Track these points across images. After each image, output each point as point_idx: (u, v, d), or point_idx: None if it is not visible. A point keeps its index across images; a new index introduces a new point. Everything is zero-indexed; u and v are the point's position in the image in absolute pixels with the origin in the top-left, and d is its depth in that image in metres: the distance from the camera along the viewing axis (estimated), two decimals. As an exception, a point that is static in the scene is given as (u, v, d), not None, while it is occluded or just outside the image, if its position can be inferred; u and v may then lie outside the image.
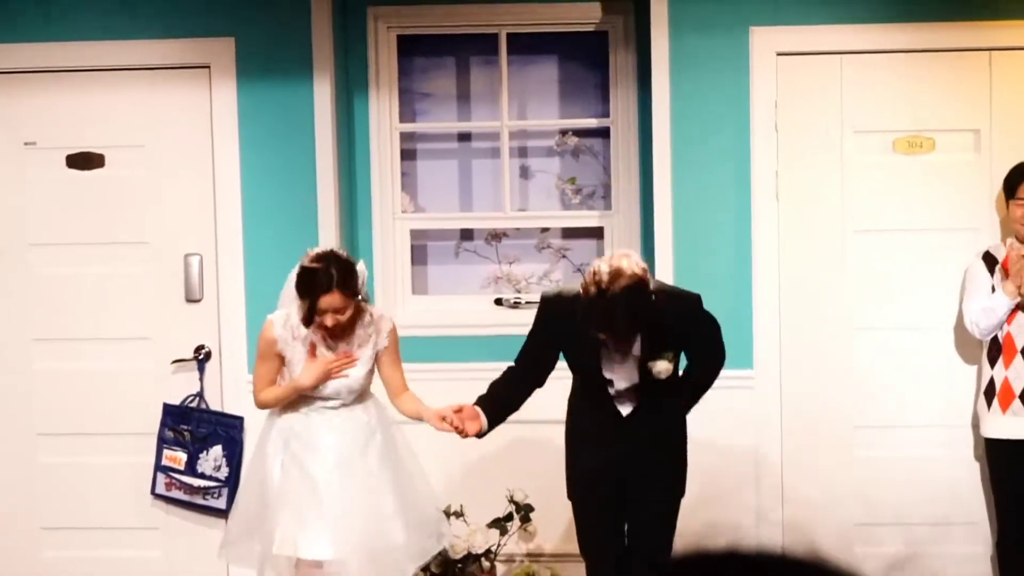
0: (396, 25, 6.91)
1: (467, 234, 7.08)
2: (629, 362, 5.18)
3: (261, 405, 5.65)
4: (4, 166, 6.85)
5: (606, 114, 6.91)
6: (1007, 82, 6.44)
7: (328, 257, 5.45)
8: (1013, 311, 6.13)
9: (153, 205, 6.79)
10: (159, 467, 6.73)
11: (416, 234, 7.04)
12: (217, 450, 6.66)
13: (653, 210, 6.53)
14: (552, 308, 5.28)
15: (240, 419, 6.61)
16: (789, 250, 6.53)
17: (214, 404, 6.75)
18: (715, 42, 6.45)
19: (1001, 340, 6.16)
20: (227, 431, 6.67)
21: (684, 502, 5.44)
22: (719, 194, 6.50)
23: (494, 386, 5.39)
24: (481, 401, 5.36)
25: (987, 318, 6.15)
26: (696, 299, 5.25)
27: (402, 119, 7.00)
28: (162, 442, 6.73)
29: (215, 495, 6.67)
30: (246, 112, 6.70)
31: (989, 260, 6.26)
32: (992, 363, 6.21)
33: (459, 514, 6.47)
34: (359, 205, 6.94)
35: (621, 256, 4.96)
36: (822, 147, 6.51)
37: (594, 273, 4.90)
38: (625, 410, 5.27)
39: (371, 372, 5.65)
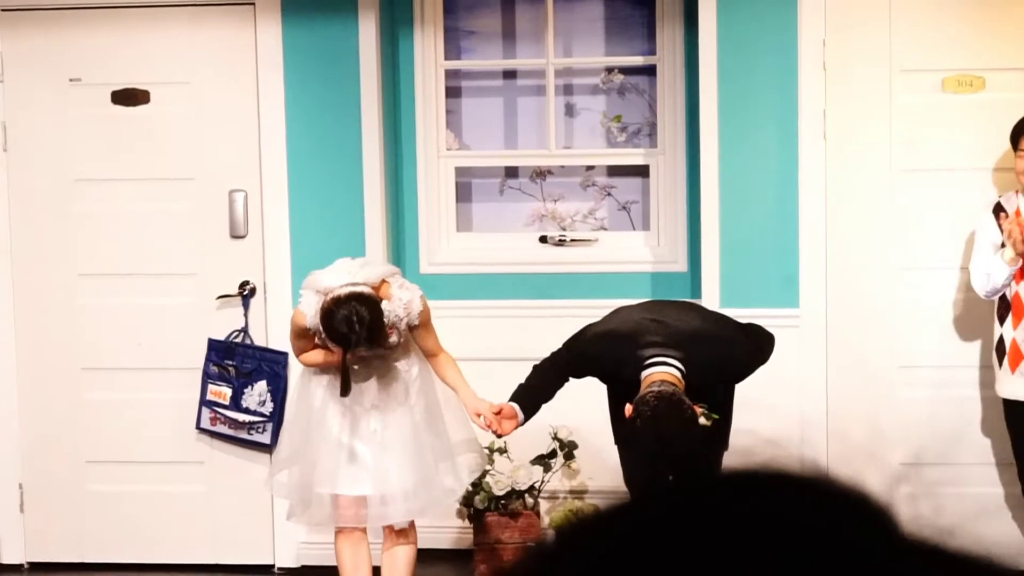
0: (442, -38, 6.89)
1: (512, 172, 7.07)
2: None
3: (303, 363, 5.61)
4: (50, 103, 6.86)
5: (652, 52, 6.88)
6: (1058, 21, 6.38)
7: (351, 308, 5.16)
8: (1021, 269, 5.97)
9: (198, 141, 6.79)
10: (204, 402, 6.76)
11: (461, 171, 7.04)
12: (262, 385, 6.69)
13: (699, 148, 6.51)
14: (592, 357, 5.37)
15: (284, 355, 6.62)
16: (835, 189, 6.49)
17: (259, 340, 6.78)
18: (763, -21, 6.41)
19: (1010, 299, 6.02)
20: (271, 366, 6.69)
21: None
22: (766, 133, 6.47)
23: (531, 378, 5.47)
24: (518, 395, 5.45)
25: (989, 283, 5.99)
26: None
27: (447, 56, 6.98)
28: (207, 377, 6.75)
29: (259, 430, 6.70)
30: (291, 49, 6.69)
31: (999, 212, 6.08)
32: (1001, 321, 6.07)
33: (503, 451, 6.48)
34: (403, 142, 6.94)
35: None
36: (870, 86, 6.47)
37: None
38: None
39: (403, 342, 5.51)
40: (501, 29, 7.04)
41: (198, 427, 6.80)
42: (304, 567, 6.79)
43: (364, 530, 5.63)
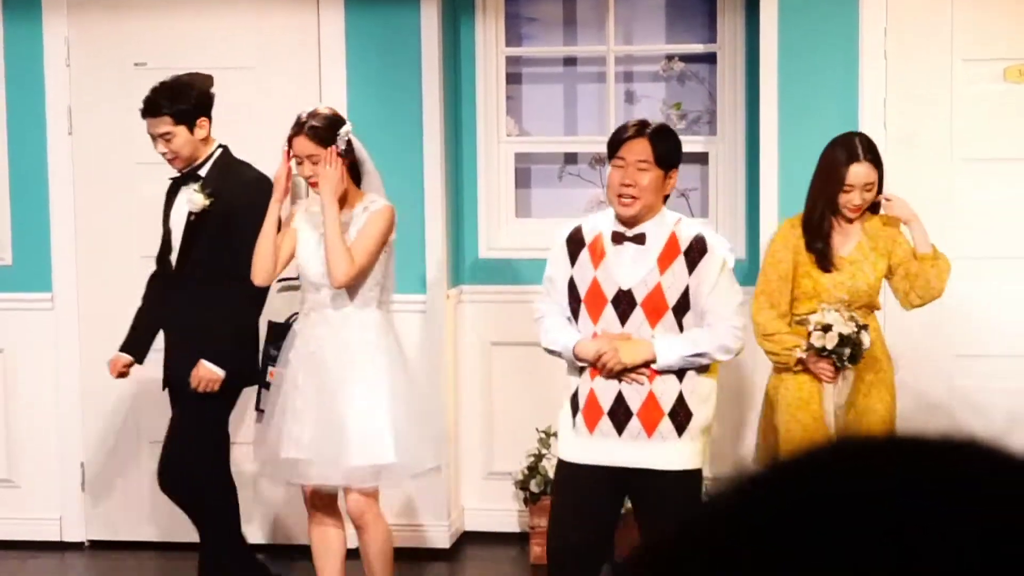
0: (504, -51, 6.93)
1: (571, 158, 7.11)
2: None
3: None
4: (115, 86, 6.93)
5: (713, 40, 6.89)
6: (1121, 11, 6.35)
7: (312, 112, 5.53)
8: None
9: (259, 128, 6.84)
10: (262, 384, 6.80)
11: (520, 157, 7.08)
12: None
13: (759, 137, 6.52)
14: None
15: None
16: (896, 178, 6.47)
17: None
18: (825, -32, 6.41)
19: None
20: None
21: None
22: (826, 121, 6.45)
23: None
24: None
25: (545, 343, 5.09)
26: None
27: (508, 43, 7.02)
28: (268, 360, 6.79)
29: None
30: (353, 36, 6.74)
31: (574, 243, 5.10)
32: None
33: (555, 434, 6.50)
34: (464, 128, 6.98)
35: None
36: (931, 75, 6.46)
37: None
38: None
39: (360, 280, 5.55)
40: (562, 16, 7.07)
41: (257, 408, 6.84)
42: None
43: (335, 513, 5.70)
